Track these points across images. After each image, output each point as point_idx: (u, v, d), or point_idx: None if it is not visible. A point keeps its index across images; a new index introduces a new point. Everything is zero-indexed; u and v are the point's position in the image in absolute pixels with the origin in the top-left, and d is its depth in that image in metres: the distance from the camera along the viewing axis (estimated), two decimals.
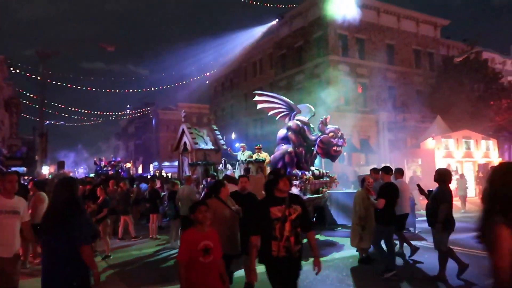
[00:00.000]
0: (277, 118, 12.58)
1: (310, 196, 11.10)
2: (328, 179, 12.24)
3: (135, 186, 15.33)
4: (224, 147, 15.49)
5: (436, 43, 33.27)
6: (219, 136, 15.52)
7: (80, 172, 54.15)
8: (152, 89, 40.95)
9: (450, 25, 34.52)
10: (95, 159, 28.66)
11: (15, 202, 4.15)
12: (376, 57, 29.80)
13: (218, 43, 34.34)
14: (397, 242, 7.92)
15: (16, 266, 4.16)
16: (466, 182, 16.54)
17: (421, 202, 12.58)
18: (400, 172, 8.14)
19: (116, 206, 10.26)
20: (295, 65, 31.59)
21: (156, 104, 60.33)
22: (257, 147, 13.01)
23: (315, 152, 12.10)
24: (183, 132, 15.22)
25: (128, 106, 63.84)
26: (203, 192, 10.18)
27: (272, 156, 12.19)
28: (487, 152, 23.18)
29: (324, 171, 12.51)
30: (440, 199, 6.01)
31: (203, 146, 14.71)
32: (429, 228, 6.38)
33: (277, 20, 31.92)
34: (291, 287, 3.71)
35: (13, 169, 19.55)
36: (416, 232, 10.32)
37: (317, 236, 9.48)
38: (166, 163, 55.67)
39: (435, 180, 6.24)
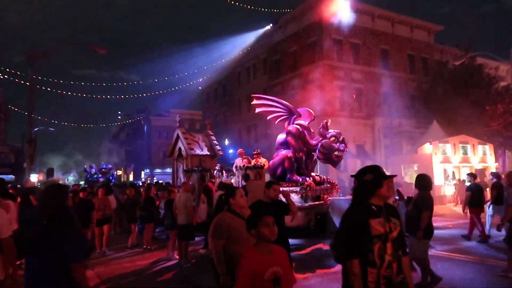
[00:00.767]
0: (276, 122, 12.17)
1: (312, 203, 10.67)
2: (329, 185, 11.82)
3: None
4: (220, 152, 15.02)
5: (430, 49, 33.29)
6: (215, 142, 15.05)
7: (70, 179, 53.13)
8: (144, 95, 40.30)
9: (443, 31, 34.66)
10: (85, 166, 28.11)
11: None
12: (371, 62, 29.68)
13: (211, 48, 33.97)
14: None
15: None
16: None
17: None
18: None
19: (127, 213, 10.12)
20: (290, 70, 31.32)
21: (148, 110, 59.61)
22: (255, 152, 12.58)
23: (315, 157, 11.71)
24: (177, 137, 14.73)
25: (120, 112, 63.05)
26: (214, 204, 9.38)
27: (271, 161, 11.76)
28: (484, 157, 23.04)
29: (324, 177, 12.10)
30: (421, 206, 5.80)
31: (198, 151, 14.23)
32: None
33: (271, 25, 31.66)
34: None
35: (1, 176, 18.82)
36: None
37: (321, 245, 9.03)
38: (158, 170, 55.00)
39: (416, 186, 6.03)
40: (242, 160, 12.34)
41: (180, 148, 14.62)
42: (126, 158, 67.79)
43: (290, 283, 2.69)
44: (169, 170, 51.39)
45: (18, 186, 14.15)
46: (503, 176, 10.16)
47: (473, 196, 10.00)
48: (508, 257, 6.53)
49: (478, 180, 11.37)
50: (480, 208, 10.03)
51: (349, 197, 13.61)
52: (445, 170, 21.67)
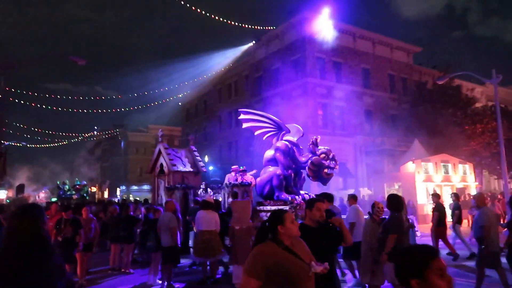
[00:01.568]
0: (264, 138, 11.74)
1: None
2: None
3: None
4: (204, 169, 14.45)
5: (409, 69, 33.97)
6: (198, 158, 14.50)
7: (41, 196, 50.92)
8: (122, 109, 39.42)
9: (421, 52, 35.52)
10: (58, 183, 26.90)
11: None
12: (353, 80, 29.93)
13: (192, 64, 33.55)
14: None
15: None
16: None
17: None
18: (354, 198, 7.78)
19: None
20: (272, 87, 31.22)
21: (125, 126, 58.36)
22: (241, 169, 12.09)
23: (304, 175, 11.32)
24: (159, 153, 14.10)
25: (96, 127, 61.30)
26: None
27: (259, 179, 11.28)
28: (464, 176, 23.25)
29: (313, 195, 11.69)
30: (389, 229, 5.42)
31: (181, 168, 13.62)
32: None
33: (253, 42, 31.65)
34: None
35: None
36: None
37: None
38: (135, 187, 53.53)
39: (387, 207, 5.66)
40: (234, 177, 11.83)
41: (162, 164, 13.98)
42: (101, 174, 65.85)
43: None
44: (146, 187, 50.16)
45: None
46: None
47: (440, 216, 10.24)
48: (477, 277, 6.44)
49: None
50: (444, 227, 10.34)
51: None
52: (426, 189, 21.69)
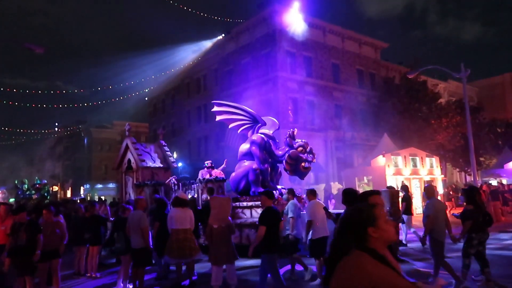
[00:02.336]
0: (238, 131, 11.29)
1: None
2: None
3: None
4: (174, 165, 13.80)
5: (376, 65, 34.43)
6: (169, 153, 13.82)
7: None
8: (85, 104, 37.57)
9: (387, 49, 36.08)
10: (16, 182, 25.34)
11: None
12: (323, 75, 29.95)
13: (158, 57, 32.44)
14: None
15: None
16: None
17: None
18: (312, 193, 7.57)
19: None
20: (242, 81, 30.71)
21: (89, 122, 55.97)
22: (207, 165, 11.58)
23: (281, 169, 10.98)
24: (126, 147, 13.30)
25: (56, 124, 58.36)
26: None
27: (234, 173, 10.83)
28: (431, 169, 23.76)
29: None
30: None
31: (150, 164, 12.91)
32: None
33: (223, 35, 30.99)
34: None
35: None
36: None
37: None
38: (99, 185, 51.60)
39: (343, 202, 5.39)
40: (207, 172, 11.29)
41: (129, 160, 13.21)
42: (63, 172, 63.07)
43: None
44: (111, 185, 48.40)
45: None
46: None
47: (407, 205, 11.28)
48: (446, 271, 6.39)
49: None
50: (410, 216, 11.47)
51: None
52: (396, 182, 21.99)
